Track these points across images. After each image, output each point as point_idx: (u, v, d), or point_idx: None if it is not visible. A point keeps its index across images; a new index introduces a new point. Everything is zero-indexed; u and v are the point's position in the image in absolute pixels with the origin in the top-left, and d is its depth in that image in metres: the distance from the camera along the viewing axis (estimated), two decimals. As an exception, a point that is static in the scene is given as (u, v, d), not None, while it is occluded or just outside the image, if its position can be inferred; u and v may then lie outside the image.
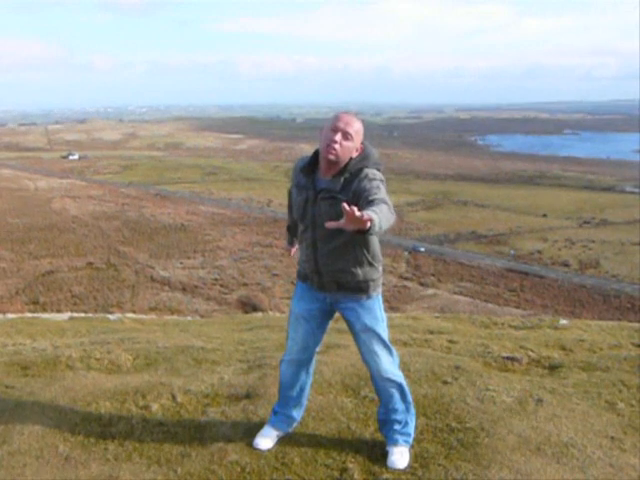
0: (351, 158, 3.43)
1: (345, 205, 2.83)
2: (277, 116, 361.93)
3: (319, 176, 3.49)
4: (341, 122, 3.38)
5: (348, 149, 3.39)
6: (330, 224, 2.98)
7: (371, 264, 3.56)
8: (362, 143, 3.47)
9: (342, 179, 3.40)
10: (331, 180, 3.43)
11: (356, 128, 3.40)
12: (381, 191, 3.31)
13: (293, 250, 4.17)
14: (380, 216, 3.00)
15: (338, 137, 3.35)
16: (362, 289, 3.57)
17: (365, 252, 3.53)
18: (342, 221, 2.88)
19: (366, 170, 3.42)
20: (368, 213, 2.90)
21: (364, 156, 3.47)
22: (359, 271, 3.53)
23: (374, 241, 3.56)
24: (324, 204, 3.41)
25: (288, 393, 3.88)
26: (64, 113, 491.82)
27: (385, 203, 3.17)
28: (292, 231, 4.07)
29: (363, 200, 3.26)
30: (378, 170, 3.49)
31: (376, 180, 3.38)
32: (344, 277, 3.53)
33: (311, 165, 3.52)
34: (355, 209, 2.81)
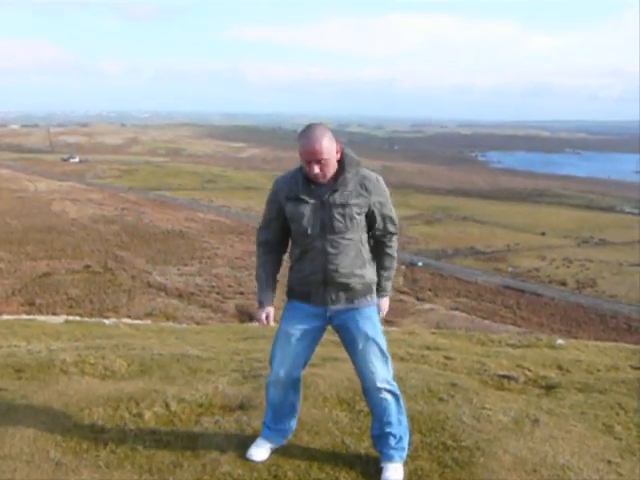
0: (338, 161, 3.51)
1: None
2: (279, 126, 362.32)
3: (319, 183, 3.49)
4: (309, 155, 3.38)
5: (331, 166, 3.45)
6: None
7: (371, 264, 3.67)
8: (338, 143, 3.49)
9: (346, 177, 3.48)
10: (334, 182, 3.48)
11: (327, 147, 3.39)
12: (392, 207, 3.68)
13: (272, 313, 3.76)
14: (392, 274, 3.81)
15: (317, 169, 3.40)
16: (366, 292, 3.62)
17: (366, 250, 3.63)
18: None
19: (367, 171, 3.58)
20: (384, 305, 3.81)
21: (349, 155, 3.54)
22: (365, 272, 3.60)
23: (367, 240, 3.67)
24: (336, 207, 3.45)
25: (279, 412, 3.84)
26: (66, 116, 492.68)
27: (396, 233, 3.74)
28: (270, 265, 3.79)
29: (380, 216, 3.61)
30: None
31: (385, 187, 3.62)
32: (353, 281, 3.55)
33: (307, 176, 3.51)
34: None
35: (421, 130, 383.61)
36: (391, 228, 3.67)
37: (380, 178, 3.59)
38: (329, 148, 3.39)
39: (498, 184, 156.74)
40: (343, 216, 3.45)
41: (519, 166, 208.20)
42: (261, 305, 3.73)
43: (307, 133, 3.40)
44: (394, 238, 3.72)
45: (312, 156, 3.37)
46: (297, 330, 3.65)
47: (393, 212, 3.67)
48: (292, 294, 3.70)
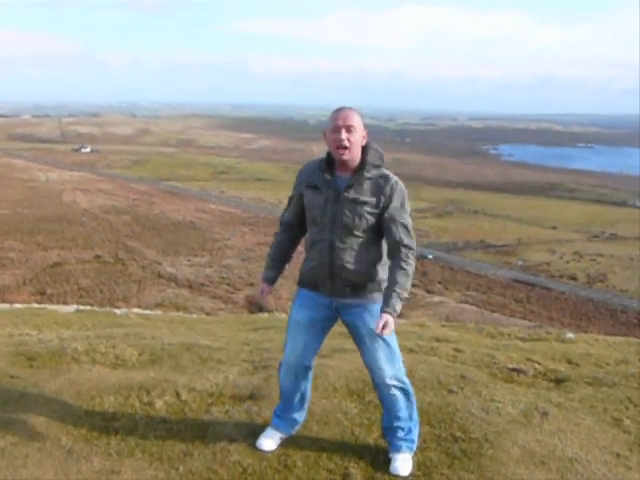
0: (363, 148, 3.49)
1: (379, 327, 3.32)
2: (290, 117, 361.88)
3: (337, 175, 3.51)
4: (340, 120, 3.42)
5: (357, 142, 3.44)
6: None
7: (382, 265, 3.58)
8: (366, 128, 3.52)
9: (363, 174, 3.46)
10: (351, 177, 3.47)
11: (356, 119, 3.44)
12: (408, 215, 3.52)
13: (267, 290, 3.87)
14: (402, 293, 3.42)
15: (344, 135, 3.40)
16: (373, 289, 3.56)
17: (379, 253, 3.57)
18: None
19: (387, 172, 3.50)
20: (381, 321, 3.33)
21: (374, 149, 3.53)
22: (373, 270, 3.54)
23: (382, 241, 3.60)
24: (348, 203, 3.43)
25: (289, 400, 3.87)
26: (77, 106, 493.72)
27: (411, 248, 3.48)
28: (280, 248, 3.84)
29: (393, 222, 3.44)
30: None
31: (404, 193, 3.50)
32: (359, 278, 3.52)
33: (328, 164, 3.53)
34: (383, 328, 3.34)
35: (432, 123, 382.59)
36: (405, 240, 3.45)
37: (400, 183, 3.49)
38: (359, 122, 3.44)
39: (510, 177, 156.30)
40: (353, 213, 3.42)
41: (531, 160, 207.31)
42: (262, 280, 3.88)
43: (340, 107, 3.48)
44: (410, 254, 3.46)
45: (343, 120, 3.40)
46: (306, 318, 3.68)
47: (408, 221, 3.48)
48: (302, 282, 3.72)
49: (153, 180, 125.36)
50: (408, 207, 3.51)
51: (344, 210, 3.44)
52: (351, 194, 3.44)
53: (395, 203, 3.46)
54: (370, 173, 3.46)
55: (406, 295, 3.43)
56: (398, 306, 3.40)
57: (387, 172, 3.51)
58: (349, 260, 3.49)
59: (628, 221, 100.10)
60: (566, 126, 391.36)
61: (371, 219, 3.45)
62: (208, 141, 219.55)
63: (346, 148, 3.41)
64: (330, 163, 3.53)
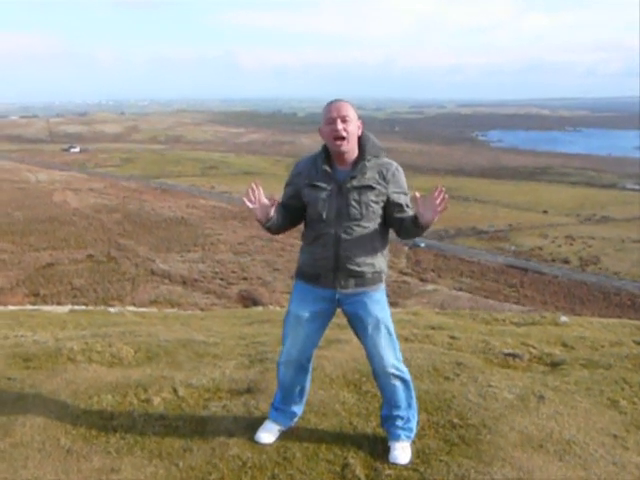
0: (360, 139, 3.53)
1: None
2: (278, 110, 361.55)
3: (337, 168, 3.53)
4: (334, 111, 3.46)
5: (353, 133, 3.48)
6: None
7: (384, 255, 3.66)
8: (360, 119, 3.55)
9: (365, 164, 3.50)
10: (353, 168, 3.50)
11: (350, 109, 3.48)
12: (409, 199, 3.62)
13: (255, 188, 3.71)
14: None
15: (340, 125, 3.42)
16: (376, 280, 3.61)
17: (382, 242, 3.62)
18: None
19: (388, 160, 3.59)
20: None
21: (372, 139, 3.58)
22: (376, 261, 3.59)
23: (388, 231, 3.66)
24: (352, 193, 3.46)
25: (289, 393, 3.88)
26: (65, 106, 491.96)
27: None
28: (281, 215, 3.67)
29: (399, 207, 3.55)
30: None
31: (403, 178, 3.62)
32: (362, 269, 3.54)
33: (327, 158, 3.55)
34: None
35: (421, 111, 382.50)
36: (410, 211, 3.54)
37: (400, 168, 3.59)
38: (352, 112, 3.47)
39: (499, 163, 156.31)
40: (359, 203, 3.46)
41: (520, 145, 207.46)
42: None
43: (332, 100, 3.53)
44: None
45: (337, 111, 3.43)
46: (307, 312, 3.66)
47: (410, 205, 3.59)
48: (301, 275, 3.71)
49: (143, 177, 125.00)
50: (408, 191, 3.61)
51: (349, 201, 3.47)
52: (355, 185, 3.46)
53: (399, 189, 3.56)
54: (371, 162, 3.51)
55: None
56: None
57: (387, 160, 3.58)
58: (355, 252, 3.52)
59: (618, 203, 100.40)
60: (553, 110, 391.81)
61: (377, 207, 3.52)
62: (197, 137, 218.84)
63: (344, 138, 3.44)
64: (328, 157, 3.55)
